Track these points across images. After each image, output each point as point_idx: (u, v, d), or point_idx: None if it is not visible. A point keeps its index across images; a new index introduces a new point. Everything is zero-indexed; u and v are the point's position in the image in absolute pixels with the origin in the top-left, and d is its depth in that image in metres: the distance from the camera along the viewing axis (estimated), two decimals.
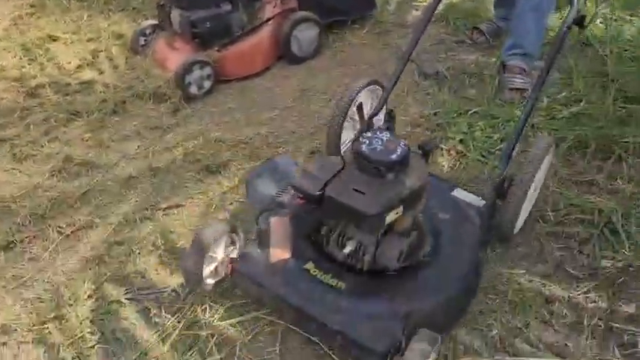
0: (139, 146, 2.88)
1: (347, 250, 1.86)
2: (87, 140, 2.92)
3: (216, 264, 1.96)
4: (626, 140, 2.65)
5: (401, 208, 1.78)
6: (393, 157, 1.78)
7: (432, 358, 1.65)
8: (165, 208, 2.48)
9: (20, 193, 2.57)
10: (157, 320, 2.01)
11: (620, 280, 2.12)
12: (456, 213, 2.13)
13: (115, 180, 2.66)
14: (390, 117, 2.26)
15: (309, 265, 1.90)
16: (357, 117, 2.44)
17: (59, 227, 2.39)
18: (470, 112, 2.95)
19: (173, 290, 2.11)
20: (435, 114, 2.98)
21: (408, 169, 1.82)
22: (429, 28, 2.48)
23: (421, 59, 3.48)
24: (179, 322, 1.98)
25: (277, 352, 1.89)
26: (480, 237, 2.09)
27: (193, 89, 3.19)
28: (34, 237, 2.36)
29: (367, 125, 2.45)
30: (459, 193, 2.24)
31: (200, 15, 3.25)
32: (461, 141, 2.79)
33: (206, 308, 2.02)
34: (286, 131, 2.95)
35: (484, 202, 2.18)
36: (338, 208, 1.74)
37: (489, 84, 3.17)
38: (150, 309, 2.05)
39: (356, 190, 1.74)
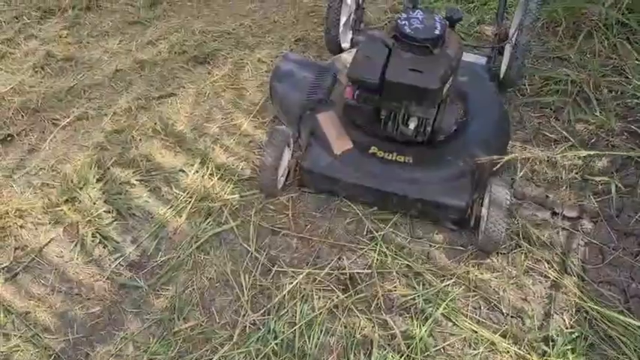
0: (120, 41, 2.85)
1: (412, 126, 1.96)
2: (65, 37, 2.86)
3: (283, 168, 2.04)
4: (594, 19, 2.79)
5: (451, 79, 1.92)
6: (437, 32, 1.88)
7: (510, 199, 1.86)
8: (159, 97, 2.50)
9: (6, 90, 2.53)
10: (169, 197, 2.10)
11: (593, 140, 2.32)
12: (468, 73, 2.27)
13: (102, 74, 2.64)
14: None
15: (374, 149, 2.02)
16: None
17: (54, 119, 2.40)
18: None
19: (180, 170, 2.19)
20: None
21: (447, 41, 1.93)
22: None
23: None
24: (191, 197, 2.08)
25: (290, 216, 2.02)
26: (494, 88, 2.31)
27: None
28: (30, 130, 2.36)
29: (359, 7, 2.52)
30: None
31: None
32: None
33: (214, 184, 2.13)
34: (269, 21, 2.96)
35: (485, 58, 2.44)
36: (400, 90, 1.87)
37: None
38: (160, 188, 2.13)
39: (413, 70, 1.85)
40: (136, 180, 2.15)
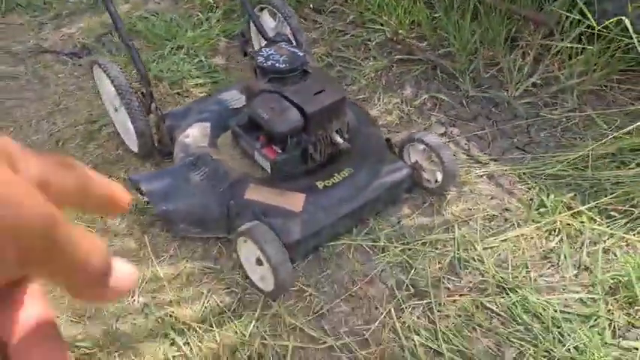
0: None
1: (340, 140, 1.95)
2: None
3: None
4: None
5: None
6: (300, 53, 1.99)
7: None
8: None
9: None
10: None
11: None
12: None
13: None
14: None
15: (320, 183, 1.98)
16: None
17: None
18: None
19: None
20: None
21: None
22: None
23: None
24: None
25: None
26: None
27: None
28: None
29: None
30: None
31: None
32: None
33: None
34: None
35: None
36: (325, 114, 1.88)
37: None
38: None
39: (318, 93, 1.88)
40: None
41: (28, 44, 3.14)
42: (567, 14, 2.41)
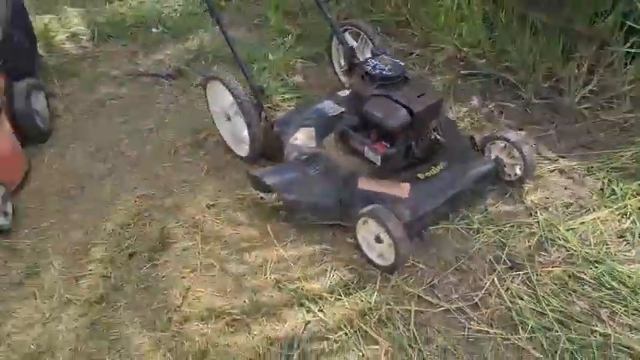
0: None
1: (439, 136, 2.25)
2: None
3: None
4: None
5: None
6: (402, 63, 2.32)
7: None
8: None
9: None
10: None
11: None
12: None
13: None
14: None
15: (421, 175, 2.27)
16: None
17: None
18: None
19: None
20: None
21: None
22: None
23: None
24: None
25: None
26: None
27: None
28: None
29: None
30: None
31: None
32: None
33: None
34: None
35: None
36: (427, 114, 2.18)
37: None
38: None
39: (420, 95, 2.18)
40: None
41: (125, 69, 3.50)
42: (625, 21, 2.71)
